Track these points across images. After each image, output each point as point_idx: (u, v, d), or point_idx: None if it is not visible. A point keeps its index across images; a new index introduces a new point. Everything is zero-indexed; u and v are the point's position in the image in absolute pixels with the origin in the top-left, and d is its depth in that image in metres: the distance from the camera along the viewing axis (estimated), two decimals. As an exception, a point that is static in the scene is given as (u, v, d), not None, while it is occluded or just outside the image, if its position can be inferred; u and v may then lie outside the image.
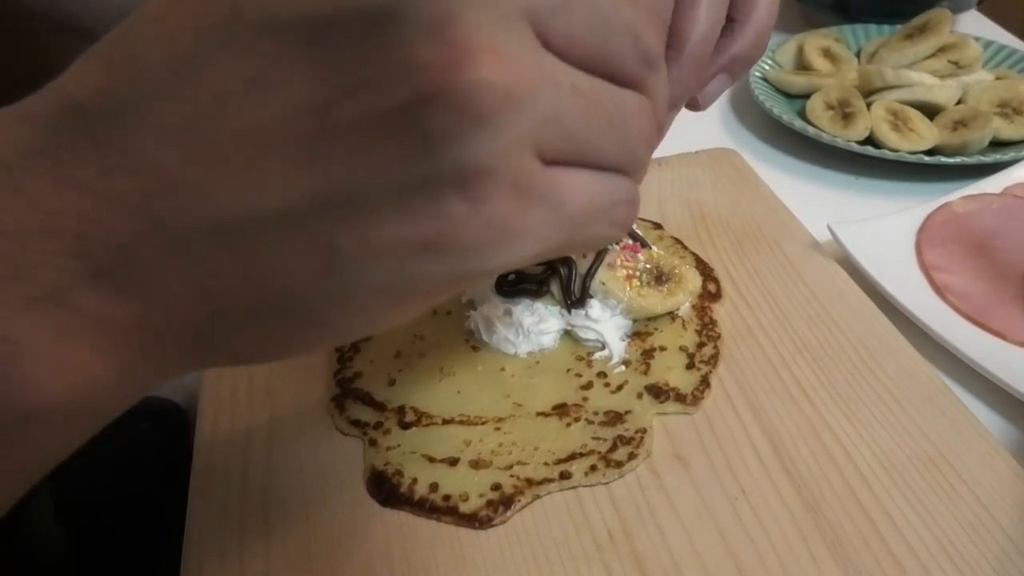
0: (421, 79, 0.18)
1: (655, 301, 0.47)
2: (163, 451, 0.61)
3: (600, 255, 0.47)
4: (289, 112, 0.19)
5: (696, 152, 0.64)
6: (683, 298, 0.47)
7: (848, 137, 0.64)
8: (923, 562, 0.36)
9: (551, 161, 0.21)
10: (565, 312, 0.47)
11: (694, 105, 0.38)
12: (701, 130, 0.74)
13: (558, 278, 0.48)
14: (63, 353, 0.20)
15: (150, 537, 0.56)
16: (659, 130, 0.25)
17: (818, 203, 0.63)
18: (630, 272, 0.47)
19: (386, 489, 0.40)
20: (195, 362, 0.23)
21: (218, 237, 0.20)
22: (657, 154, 0.61)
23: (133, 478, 0.62)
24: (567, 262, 0.47)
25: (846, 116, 0.66)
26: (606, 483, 0.40)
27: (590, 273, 0.47)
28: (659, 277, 0.47)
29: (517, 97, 0.19)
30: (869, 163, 0.64)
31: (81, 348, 0.21)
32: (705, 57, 0.34)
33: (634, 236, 0.50)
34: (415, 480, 0.40)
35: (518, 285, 0.49)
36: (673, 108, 0.35)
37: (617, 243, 0.48)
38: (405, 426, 0.43)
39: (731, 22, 0.37)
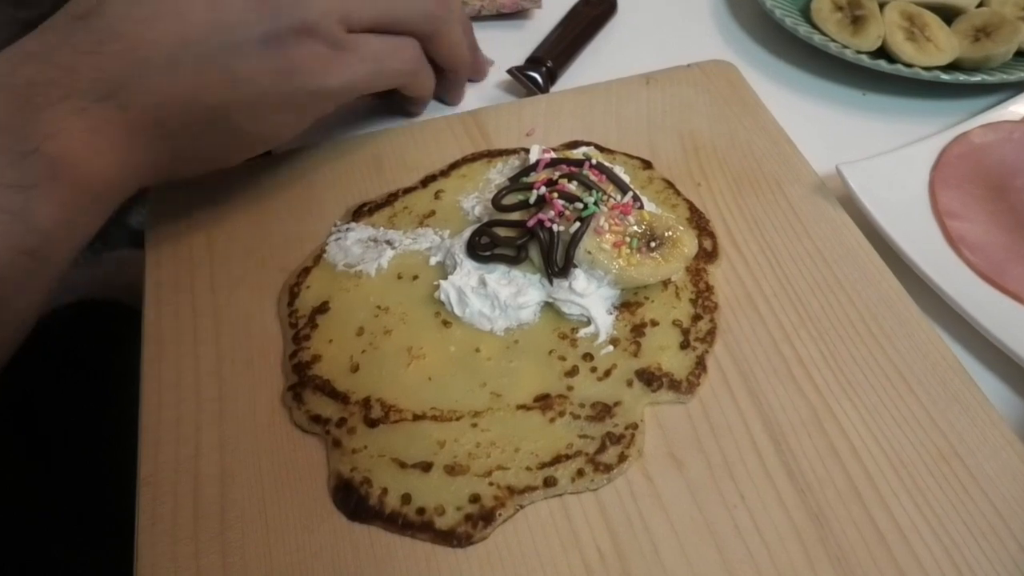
0: None
1: (647, 270, 0.42)
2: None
3: (586, 221, 0.41)
4: None
5: (688, 66, 0.57)
6: (677, 265, 0.42)
7: (858, 47, 0.57)
8: (931, 578, 0.34)
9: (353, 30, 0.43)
10: (546, 282, 0.42)
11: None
12: (694, 35, 0.66)
13: (538, 243, 0.42)
14: (92, 141, 0.38)
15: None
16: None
17: (822, 125, 0.57)
18: (618, 238, 0.42)
19: (354, 501, 0.37)
20: (169, 169, 0.43)
21: (171, 65, 0.39)
22: (645, 68, 0.54)
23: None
24: (547, 228, 0.42)
25: (856, 20, 0.58)
26: (594, 489, 0.37)
27: (574, 240, 0.41)
28: (651, 241, 0.42)
29: None
30: (880, 76, 0.57)
31: (102, 140, 0.38)
32: None
33: (623, 187, 0.44)
34: (385, 490, 0.37)
35: (493, 250, 0.43)
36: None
37: (606, 204, 0.42)
38: (372, 423, 0.39)
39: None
